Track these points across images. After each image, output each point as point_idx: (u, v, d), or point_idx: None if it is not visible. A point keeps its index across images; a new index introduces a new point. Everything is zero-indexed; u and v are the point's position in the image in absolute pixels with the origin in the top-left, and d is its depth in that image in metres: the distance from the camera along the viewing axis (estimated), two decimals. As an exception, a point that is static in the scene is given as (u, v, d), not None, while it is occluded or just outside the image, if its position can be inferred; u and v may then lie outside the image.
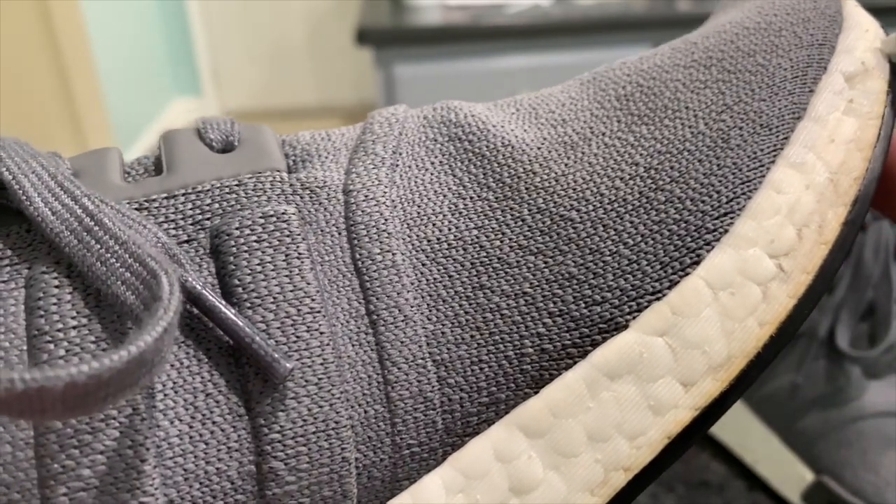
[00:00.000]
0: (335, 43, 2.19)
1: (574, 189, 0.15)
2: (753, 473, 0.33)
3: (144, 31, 2.05)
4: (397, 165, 0.16)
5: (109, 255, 0.12)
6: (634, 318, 0.14)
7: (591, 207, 0.15)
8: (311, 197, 0.15)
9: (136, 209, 0.14)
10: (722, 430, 0.34)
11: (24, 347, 0.12)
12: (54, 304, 0.13)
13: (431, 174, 0.16)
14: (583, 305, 0.14)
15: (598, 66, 0.18)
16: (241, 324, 0.13)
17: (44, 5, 1.50)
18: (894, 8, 0.99)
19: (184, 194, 0.14)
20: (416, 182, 0.16)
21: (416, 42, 1.15)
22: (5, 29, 1.44)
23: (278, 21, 2.19)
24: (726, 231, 0.14)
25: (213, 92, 2.30)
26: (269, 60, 2.25)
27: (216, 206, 0.14)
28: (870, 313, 0.31)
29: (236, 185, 0.15)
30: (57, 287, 0.13)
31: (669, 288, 0.14)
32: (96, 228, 0.13)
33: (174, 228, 0.14)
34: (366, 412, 0.14)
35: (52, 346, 0.12)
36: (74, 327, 0.13)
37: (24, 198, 0.13)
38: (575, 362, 0.14)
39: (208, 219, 0.14)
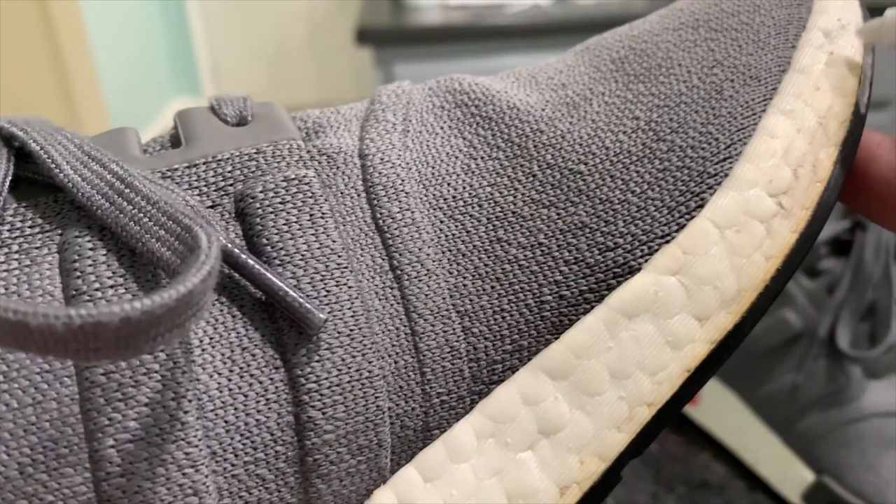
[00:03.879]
0: (335, 43, 2.18)
1: (580, 144, 0.16)
2: (754, 474, 0.33)
3: (144, 30, 2.05)
4: (408, 131, 0.16)
5: (142, 214, 0.13)
6: (647, 261, 0.15)
7: (597, 160, 0.15)
8: (328, 162, 0.15)
9: (159, 178, 0.14)
10: (722, 430, 0.34)
11: None
12: (90, 265, 0.13)
13: (441, 138, 0.16)
14: (597, 252, 0.15)
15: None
16: (273, 278, 0.13)
17: (43, 5, 1.50)
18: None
19: (205, 163, 0.15)
20: (427, 145, 0.16)
21: (416, 42, 1.15)
22: (5, 29, 1.44)
23: (278, 21, 2.19)
24: (727, 175, 0.15)
25: (213, 92, 2.30)
26: (269, 60, 2.25)
27: (237, 172, 0.15)
28: (870, 313, 0.31)
29: (255, 153, 0.15)
30: (91, 249, 0.13)
31: (678, 231, 0.15)
32: (127, 191, 0.13)
33: (198, 195, 0.14)
34: (396, 363, 0.14)
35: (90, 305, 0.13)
36: (111, 286, 0.13)
37: (54, 165, 0.13)
38: (592, 307, 0.15)
39: (231, 185, 0.14)
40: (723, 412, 0.34)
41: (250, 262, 0.13)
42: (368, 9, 1.23)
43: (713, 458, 0.34)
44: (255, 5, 2.16)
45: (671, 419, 0.15)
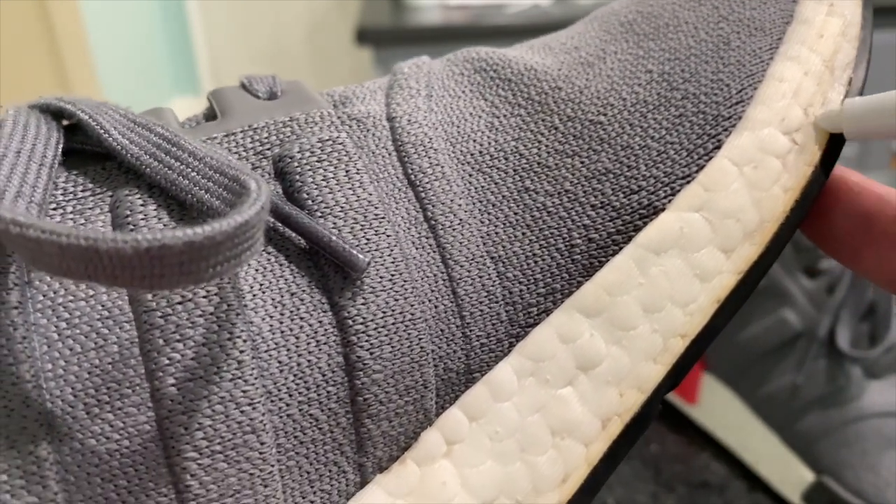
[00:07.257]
0: (335, 43, 2.18)
1: (598, 97, 0.16)
2: (754, 474, 0.33)
3: (144, 30, 2.05)
4: (431, 96, 0.17)
5: (190, 169, 0.13)
6: (670, 201, 0.15)
7: (616, 111, 0.16)
8: (358, 125, 0.16)
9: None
10: (723, 430, 0.34)
11: None
12: (142, 219, 0.13)
13: (464, 101, 0.17)
14: (622, 195, 0.15)
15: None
16: (317, 225, 0.14)
17: (43, 5, 1.50)
18: (894, 8, 0.99)
19: (241, 131, 0.15)
20: (451, 108, 0.17)
21: (416, 42, 1.15)
22: (5, 29, 1.44)
23: (278, 21, 2.19)
24: (740, 117, 0.16)
25: (212, 92, 2.30)
26: (269, 60, 2.25)
27: (273, 138, 0.15)
28: (870, 313, 0.31)
29: (289, 121, 0.16)
30: (142, 205, 0.13)
31: (698, 171, 0.15)
32: (174, 149, 0.13)
33: (237, 160, 0.15)
34: (436, 307, 0.15)
35: (155, 229, 0.13)
36: None
37: (102, 131, 0.14)
38: (620, 248, 0.15)
39: (268, 149, 0.15)
40: (723, 412, 0.34)
41: (294, 211, 0.14)
42: (368, 9, 1.23)
43: (713, 458, 0.34)
44: (255, 5, 2.16)
45: (704, 351, 0.16)
